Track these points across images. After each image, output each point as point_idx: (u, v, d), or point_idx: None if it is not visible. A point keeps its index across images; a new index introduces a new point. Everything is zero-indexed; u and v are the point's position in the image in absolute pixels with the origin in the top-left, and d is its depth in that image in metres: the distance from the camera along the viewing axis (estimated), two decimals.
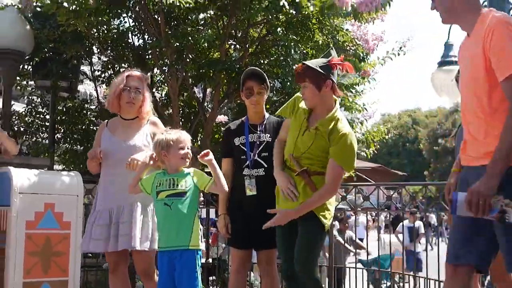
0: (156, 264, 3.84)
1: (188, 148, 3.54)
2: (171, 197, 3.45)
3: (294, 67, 5.61)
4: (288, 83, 6.44)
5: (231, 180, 3.99)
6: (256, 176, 3.91)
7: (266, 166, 3.89)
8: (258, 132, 4.01)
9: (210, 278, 7.35)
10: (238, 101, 7.25)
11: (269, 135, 3.97)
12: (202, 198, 6.42)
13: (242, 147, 4.00)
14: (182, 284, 3.42)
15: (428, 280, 6.03)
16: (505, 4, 5.69)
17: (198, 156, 3.56)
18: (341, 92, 3.68)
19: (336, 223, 9.34)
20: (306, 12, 6.06)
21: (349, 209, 6.82)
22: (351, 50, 6.63)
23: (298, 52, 6.76)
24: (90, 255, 6.06)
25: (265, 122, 4.05)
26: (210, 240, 8.12)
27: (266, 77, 4.10)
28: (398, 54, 7.45)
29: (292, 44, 6.34)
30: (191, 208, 3.50)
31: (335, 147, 3.53)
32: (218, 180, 3.56)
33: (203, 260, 7.48)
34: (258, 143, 3.98)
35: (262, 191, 3.87)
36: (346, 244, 8.82)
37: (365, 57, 7.09)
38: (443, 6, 2.74)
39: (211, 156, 3.54)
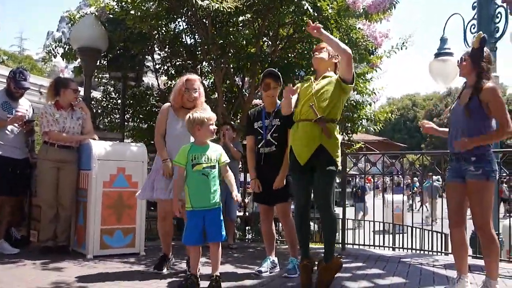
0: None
1: (214, 125, 3.61)
2: (207, 168, 3.50)
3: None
4: (311, 72, 6.34)
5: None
6: (269, 152, 4.13)
7: (276, 143, 4.10)
8: (270, 118, 4.17)
9: (247, 227, 7.39)
10: None
11: (278, 120, 4.12)
12: (240, 166, 6.44)
13: (259, 129, 4.23)
14: (213, 230, 3.49)
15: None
16: (492, 5, 5.48)
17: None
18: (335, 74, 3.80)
19: None
20: (326, 14, 5.94)
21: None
22: (362, 45, 6.45)
23: None
24: (152, 208, 6.13)
25: (276, 110, 4.18)
26: (246, 198, 8.13)
27: (281, 76, 4.25)
28: (401, 48, 7.25)
29: (314, 41, 6.22)
30: (217, 176, 3.58)
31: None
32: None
33: (241, 213, 7.56)
34: (270, 126, 4.16)
35: (272, 163, 4.09)
36: None
37: (373, 51, 6.91)
38: None
39: None
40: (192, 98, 4.07)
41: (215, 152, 3.58)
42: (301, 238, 3.80)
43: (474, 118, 3.37)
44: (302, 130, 3.64)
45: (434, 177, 12.18)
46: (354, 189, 14.73)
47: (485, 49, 3.49)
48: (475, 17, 5.61)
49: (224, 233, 3.54)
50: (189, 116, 3.58)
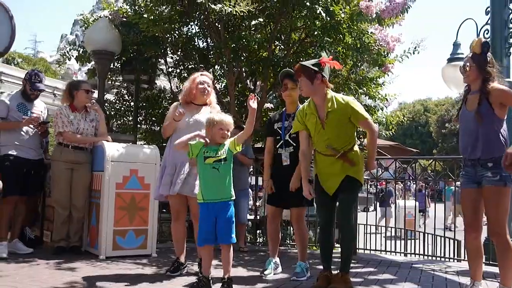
0: None
1: (227, 131, 3.56)
2: (217, 162, 3.52)
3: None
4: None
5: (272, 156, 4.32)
6: (287, 152, 4.17)
7: (294, 145, 4.13)
8: (289, 120, 4.20)
9: (258, 231, 7.39)
10: None
11: None
12: (252, 168, 6.45)
13: (278, 130, 4.28)
14: (224, 230, 3.48)
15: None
16: (506, 10, 5.44)
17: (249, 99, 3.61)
18: (330, 85, 3.77)
19: None
20: (338, 18, 5.93)
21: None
22: (374, 50, 6.44)
23: (331, 51, 6.63)
24: (164, 210, 6.16)
25: (297, 112, 4.14)
26: (258, 201, 8.13)
27: None
28: (413, 53, 7.20)
29: (326, 45, 6.21)
30: (230, 169, 3.59)
31: (354, 115, 3.63)
32: (249, 122, 3.60)
33: (252, 217, 7.56)
34: (289, 127, 4.19)
35: (290, 164, 4.13)
36: None
37: (386, 55, 6.88)
38: None
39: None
40: (206, 91, 4.11)
41: (225, 147, 3.59)
42: (323, 252, 3.82)
43: (485, 122, 3.36)
44: (326, 164, 3.68)
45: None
46: (381, 194, 14.73)
47: (488, 53, 3.49)
48: (489, 22, 5.58)
49: (234, 235, 3.52)
50: (208, 116, 3.67)
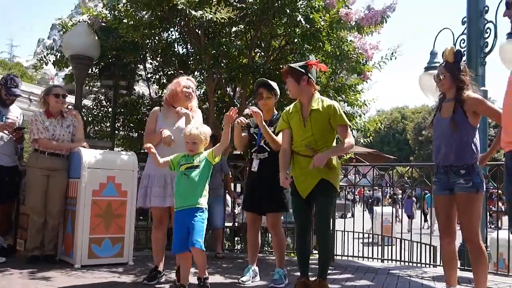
0: None
1: (193, 143, 3.57)
2: (189, 169, 3.55)
3: None
4: None
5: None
6: (261, 158, 4.20)
7: (269, 150, 4.17)
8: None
9: (236, 238, 7.36)
10: None
11: (273, 128, 4.15)
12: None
13: (254, 135, 4.32)
14: (192, 230, 3.45)
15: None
16: (482, 20, 5.56)
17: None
18: (316, 86, 3.85)
19: None
20: (318, 26, 5.98)
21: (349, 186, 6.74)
22: (353, 57, 6.51)
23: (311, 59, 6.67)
24: (141, 218, 6.08)
25: (273, 119, 4.27)
26: (236, 208, 8.08)
27: (274, 86, 4.29)
28: (390, 59, 7.28)
29: (306, 52, 6.25)
30: (202, 177, 3.57)
31: (333, 116, 3.67)
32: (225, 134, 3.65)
33: (230, 224, 7.54)
34: None
35: (264, 169, 4.15)
36: None
37: (364, 63, 6.96)
38: None
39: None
40: (190, 96, 4.11)
41: (200, 156, 3.61)
42: (300, 258, 3.83)
43: (459, 129, 3.42)
44: (303, 164, 3.68)
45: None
46: (370, 200, 15.08)
47: (461, 62, 3.57)
48: (465, 32, 5.70)
49: (201, 240, 3.46)
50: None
